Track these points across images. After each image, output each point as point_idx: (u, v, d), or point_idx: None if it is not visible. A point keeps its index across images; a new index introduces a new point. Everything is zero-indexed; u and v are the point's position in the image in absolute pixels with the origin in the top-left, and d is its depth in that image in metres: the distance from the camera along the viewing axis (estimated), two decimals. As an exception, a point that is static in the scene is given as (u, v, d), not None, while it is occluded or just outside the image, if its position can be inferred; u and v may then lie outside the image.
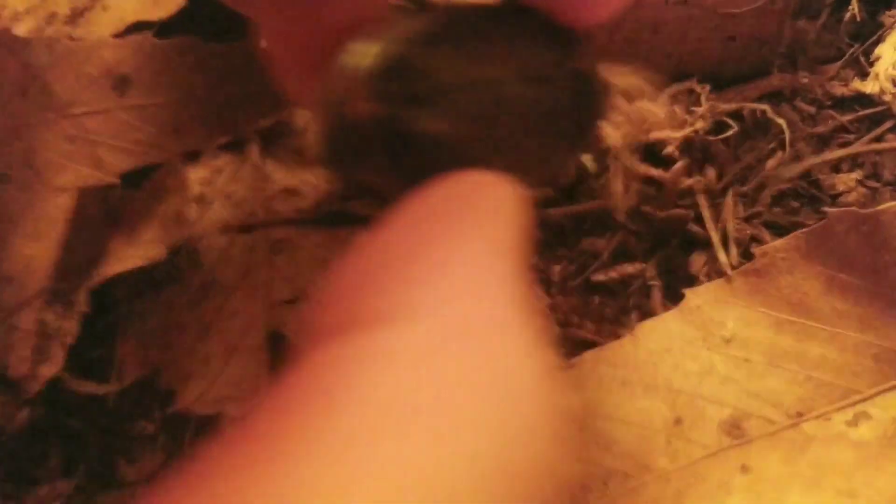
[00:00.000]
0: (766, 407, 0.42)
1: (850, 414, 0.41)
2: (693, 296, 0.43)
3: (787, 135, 0.50)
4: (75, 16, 0.53)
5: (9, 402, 0.49)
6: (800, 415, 0.41)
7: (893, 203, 0.40)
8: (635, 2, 0.50)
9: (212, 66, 0.50)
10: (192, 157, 0.51)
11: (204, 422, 0.49)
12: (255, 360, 0.49)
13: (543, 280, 0.52)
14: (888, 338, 0.41)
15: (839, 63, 0.53)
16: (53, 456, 0.49)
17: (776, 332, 0.42)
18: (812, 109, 0.52)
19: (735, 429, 0.41)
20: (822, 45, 0.55)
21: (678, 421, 0.42)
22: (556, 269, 0.51)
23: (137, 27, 0.52)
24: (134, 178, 0.51)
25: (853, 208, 0.41)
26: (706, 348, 0.43)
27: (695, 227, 0.49)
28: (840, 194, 0.49)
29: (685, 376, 0.42)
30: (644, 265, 0.49)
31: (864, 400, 0.41)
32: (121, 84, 0.50)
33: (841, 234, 0.41)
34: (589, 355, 0.43)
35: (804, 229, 0.42)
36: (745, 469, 0.40)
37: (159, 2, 0.52)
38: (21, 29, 0.53)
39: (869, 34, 0.54)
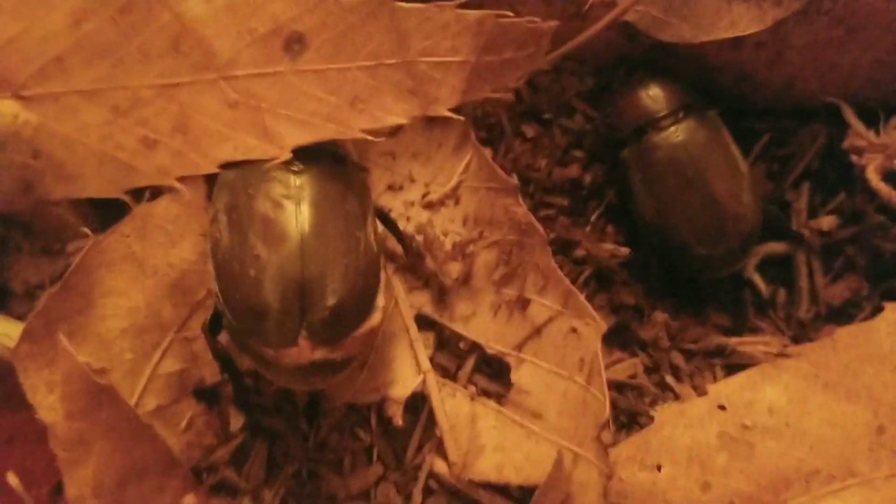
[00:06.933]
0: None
1: None
2: (891, 309, 0.45)
3: None
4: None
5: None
6: None
7: None
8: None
9: (407, 28, 0.43)
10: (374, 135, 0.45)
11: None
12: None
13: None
14: None
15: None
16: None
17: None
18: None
19: (936, 442, 0.43)
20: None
21: (881, 429, 0.43)
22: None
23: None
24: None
25: None
26: (907, 360, 0.44)
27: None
28: None
29: (884, 386, 0.44)
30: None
31: None
32: (294, 44, 0.44)
33: None
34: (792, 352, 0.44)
35: None
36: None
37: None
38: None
39: None
